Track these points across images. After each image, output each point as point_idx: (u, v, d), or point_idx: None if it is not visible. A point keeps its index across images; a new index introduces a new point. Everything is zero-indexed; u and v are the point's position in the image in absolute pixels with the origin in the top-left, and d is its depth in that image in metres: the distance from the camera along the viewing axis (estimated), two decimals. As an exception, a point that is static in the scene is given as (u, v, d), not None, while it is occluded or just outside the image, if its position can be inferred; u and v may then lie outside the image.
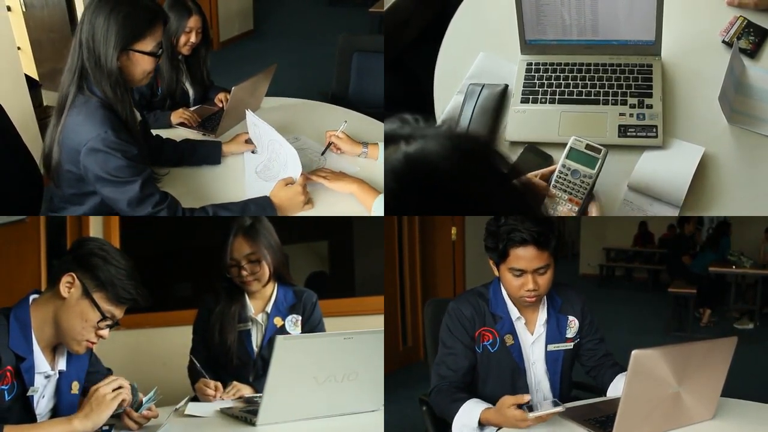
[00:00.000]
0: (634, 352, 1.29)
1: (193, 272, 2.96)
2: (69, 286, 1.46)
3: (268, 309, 1.98)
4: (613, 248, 7.86)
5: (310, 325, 2.01)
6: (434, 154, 0.78)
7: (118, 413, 1.55)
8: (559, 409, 1.42)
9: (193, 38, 2.58)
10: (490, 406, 1.49)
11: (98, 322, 1.47)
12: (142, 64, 1.69)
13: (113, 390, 1.46)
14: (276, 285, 2.00)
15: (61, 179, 1.76)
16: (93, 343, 1.50)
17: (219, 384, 1.84)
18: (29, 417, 1.48)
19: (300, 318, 2.00)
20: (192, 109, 2.66)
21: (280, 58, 5.15)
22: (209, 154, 2.15)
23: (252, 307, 1.98)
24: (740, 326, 5.14)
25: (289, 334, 1.98)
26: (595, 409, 1.54)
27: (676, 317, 5.12)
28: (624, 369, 1.64)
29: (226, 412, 1.69)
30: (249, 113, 2.07)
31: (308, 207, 1.89)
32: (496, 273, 1.64)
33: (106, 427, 1.56)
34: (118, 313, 1.50)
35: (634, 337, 4.58)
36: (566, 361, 1.70)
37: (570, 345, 1.70)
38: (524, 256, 1.54)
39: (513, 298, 1.65)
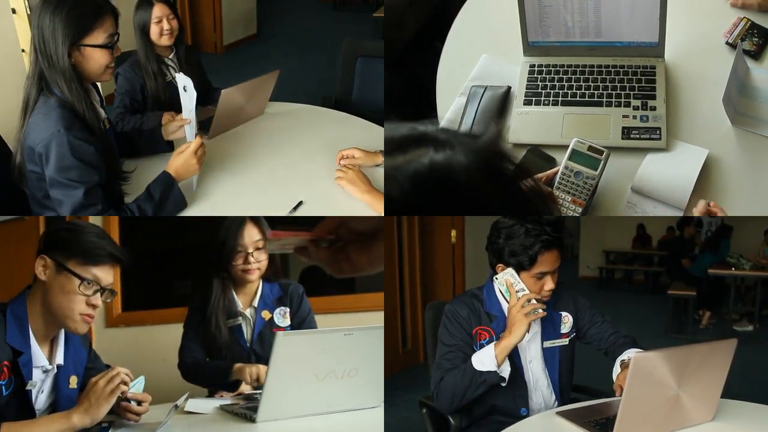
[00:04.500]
0: (634, 355, 1.29)
1: (193, 269, 2.96)
2: (43, 268, 1.47)
3: (255, 303, 2.01)
4: (613, 251, 7.86)
5: (300, 317, 2.03)
6: (459, 167, 0.75)
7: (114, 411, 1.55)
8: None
9: (166, 25, 2.54)
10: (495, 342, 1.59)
11: (82, 290, 1.46)
12: (95, 59, 1.70)
13: (110, 381, 1.45)
14: (260, 280, 2.03)
15: (28, 182, 1.77)
16: (89, 315, 1.48)
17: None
18: (27, 412, 1.48)
19: (288, 310, 2.02)
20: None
21: (283, 63, 5.16)
22: (153, 141, 2.14)
23: (239, 302, 2.01)
24: (740, 328, 5.14)
25: (279, 326, 2.01)
26: (594, 411, 1.54)
27: (675, 319, 5.13)
28: (636, 343, 1.73)
29: (226, 409, 1.69)
30: (180, 76, 1.96)
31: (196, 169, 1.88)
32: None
33: (105, 424, 1.56)
34: (102, 275, 1.48)
35: (634, 340, 4.58)
36: (564, 358, 1.72)
37: (565, 341, 1.73)
38: (549, 259, 1.61)
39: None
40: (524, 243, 1.59)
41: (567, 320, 1.74)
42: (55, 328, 1.52)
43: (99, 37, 1.68)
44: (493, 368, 1.55)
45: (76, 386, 1.60)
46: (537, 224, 1.59)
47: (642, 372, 1.31)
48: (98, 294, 1.48)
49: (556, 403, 1.71)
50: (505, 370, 1.57)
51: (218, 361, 1.99)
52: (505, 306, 1.67)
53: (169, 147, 2.13)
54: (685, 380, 1.37)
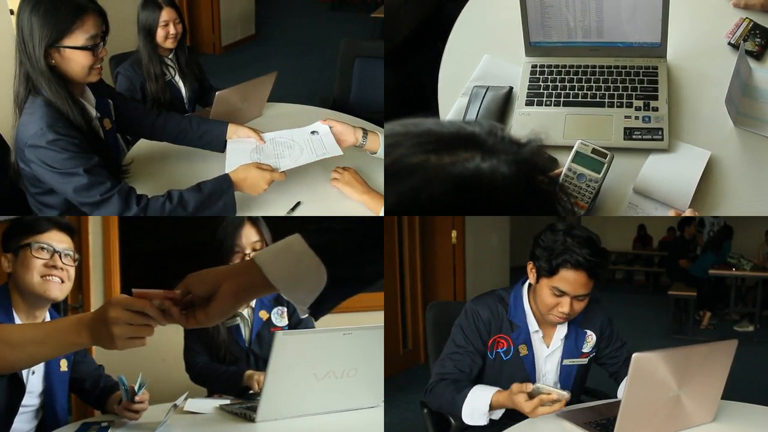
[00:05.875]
0: (634, 356, 1.29)
1: (192, 269, 2.95)
2: (7, 261, 1.62)
3: (253, 303, 2.00)
4: (614, 251, 7.86)
5: (297, 317, 2.03)
6: (500, 177, 0.77)
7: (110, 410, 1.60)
8: (566, 395, 1.41)
9: (172, 30, 2.54)
10: (499, 389, 1.48)
11: (36, 254, 1.58)
12: (76, 60, 1.65)
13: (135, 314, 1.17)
14: None
15: (23, 179, 1.77)
16: (52, 276, 1.58)
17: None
18: (18, 390, 1.52)
19: (286, 310, 2.02)
20: (187, 115, 2.64)
21: (281, 63, 5.16)
22: (211, 133, 2.08)
23: None
24: (740, 329, 5.14)
25: (277, 326, 2.00)
26: (595, 412, 1.54)
27: (676, 320, 5.13)
28: None
29: (225, 409, 1.69)
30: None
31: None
32: (532, 279, 1.61)
33: (105, 424, 1.56)
34: (51, 240, 1.61)
35: (635, 340, 4.55)
36: (579, 376, 1.70)
37: (585, 360, 1.70)
38: (573, 280, 1.52)
39: (537, 312, 1.64)
40: (552, 248, 1.51)
41: (591, 339, 1.69)
42: (36, 306, 1.61)
43: (79, 38, 1.62)
44: (482, 423, 1.49)
45: (66, 369, 1.67)
46: (577, 239, 1.51)
47: (642, 373, 1.31)
48: (57, 257, 1.60)
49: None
50: (497, 414, 1.52)
51: (230, 366, 1.98)
52: (530, 317, 1.64)
53: (220, 142, 2.05)
54: (685, 381, 1.36)
